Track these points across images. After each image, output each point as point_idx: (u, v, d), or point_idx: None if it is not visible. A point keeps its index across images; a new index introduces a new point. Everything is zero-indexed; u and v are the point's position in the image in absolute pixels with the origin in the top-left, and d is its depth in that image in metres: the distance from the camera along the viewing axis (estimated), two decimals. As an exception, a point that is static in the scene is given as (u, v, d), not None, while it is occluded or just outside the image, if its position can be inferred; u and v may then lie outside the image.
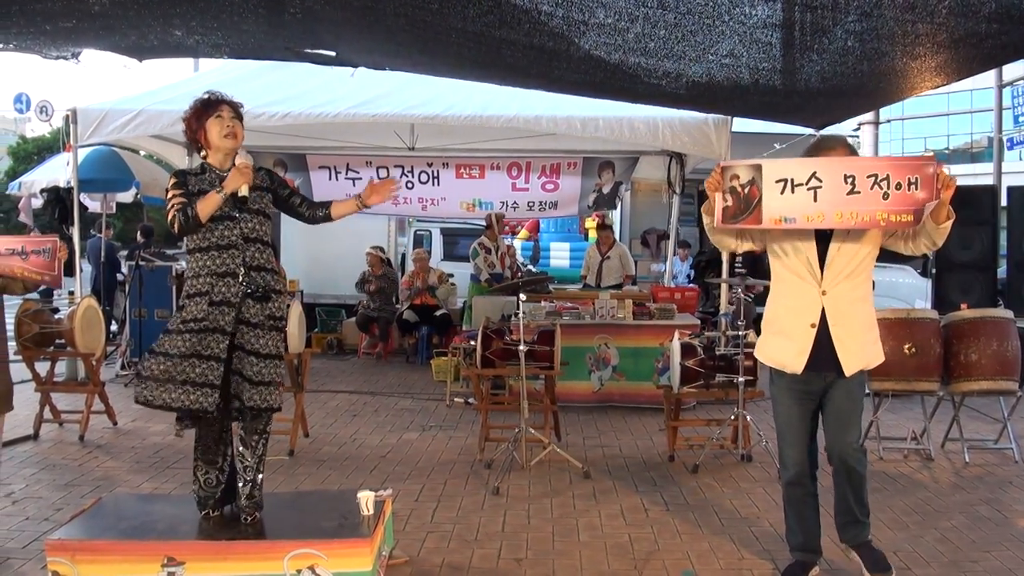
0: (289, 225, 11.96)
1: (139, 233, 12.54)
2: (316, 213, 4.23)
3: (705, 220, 3.74)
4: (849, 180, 3.50)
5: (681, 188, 10.10)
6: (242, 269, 3.96)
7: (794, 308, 3.76)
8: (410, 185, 10.51)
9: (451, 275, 11.22)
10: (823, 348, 3.70)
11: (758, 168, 3.58)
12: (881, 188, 3.47)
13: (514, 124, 7.78)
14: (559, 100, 7.71)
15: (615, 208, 11.98)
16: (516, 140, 9.45)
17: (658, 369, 7.57)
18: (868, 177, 3.48)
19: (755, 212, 3.56)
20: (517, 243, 19.35)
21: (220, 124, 4.00)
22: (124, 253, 11.96)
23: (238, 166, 3.97)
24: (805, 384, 3.80)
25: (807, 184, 3.52)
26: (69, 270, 8.83)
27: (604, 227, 11.15)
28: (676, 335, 6.03)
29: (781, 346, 3.80)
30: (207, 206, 3.92)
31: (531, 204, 10.52)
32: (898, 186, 3.47)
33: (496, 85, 7.06)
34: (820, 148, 3.73)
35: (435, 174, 10.44)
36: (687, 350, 5.93)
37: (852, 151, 3.80)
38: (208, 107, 4.04)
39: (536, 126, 7.82)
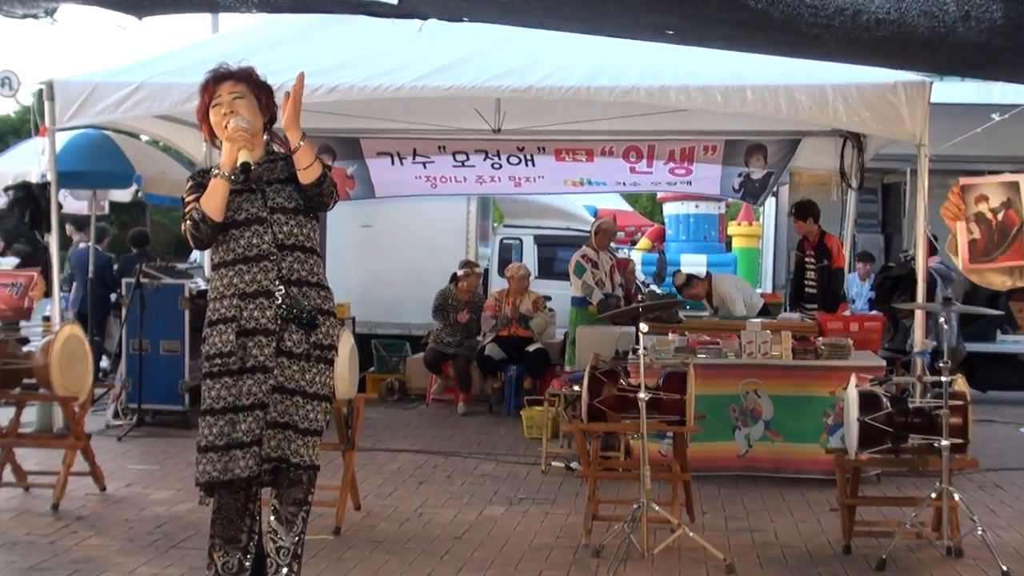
0: (336, 231, 12.22)
1: (129, 241, 12.94)
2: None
3: (952, 260, 3.67)
4: None
5: (859, 181, 9.91)
6: (279, 286, 4.07)
7: None
8: (497, 166, 10.64)
9: (548, 298, 11.27)
10: None
11: (1014, 186, 3.50)
12: None
13: (632, 98, 7.79)
14: (692, 66, 7.67)
15: (761, 202, 11.83)
16: (636, 119, 9.46)
17: (827, 427, 7.44)
18: None
19: (1016, 245, 3.50)
20: (636, 255, 19.30)
21: (217, 113, 4.19)
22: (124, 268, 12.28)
23: (228, 133, 4.12)
24: None
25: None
26: (45, 289, 9.20)
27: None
28: (853, 380, 5.91)
29: None
30: (212, 198, 4.08)
31: (656, 183, 10.62)
32: None
33: (607, 43, 7.07)
34: None
35: (528, 158, 10.56)
36: (868, 401, 5.81)
37: None
38: (204, 91, 4.25)
39: (662, 100, 7.81)
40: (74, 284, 12.19)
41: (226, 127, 4.13)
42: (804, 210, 9.60)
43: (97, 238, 12.22)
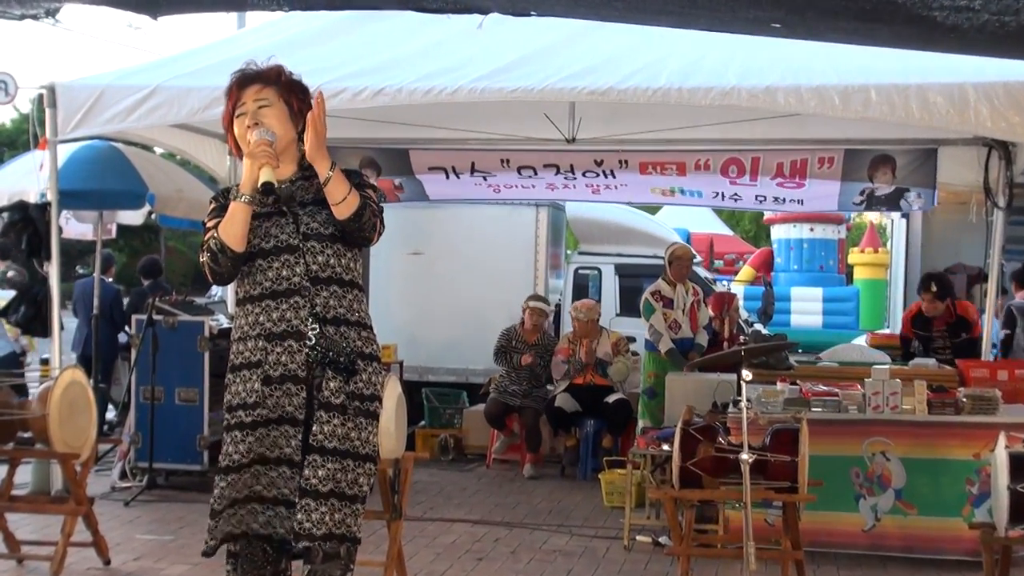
0: (381, 259, 12.32)
1: (140, 271, 13.11)
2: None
3: None
4: None
5: (1008, 199, 9.77)
6: (312, 325, 4.10)
7: None
8: (570, 178, 10.67)
9: (632, 339, 11.23)
10: None
11: None
12: None
13: (733, 100, 7.76)
14: (802, 62, 7.63)
15: (890, 213, 11.73)
16: (736, 125, 9.42)
17: (971, 497, 7.33)
18: None
19: None
20: (738, 288, 19.20)
21: (241, 123, 4.27)
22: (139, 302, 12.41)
23: (250, 148, 4.19)
24: None
25: None
26: (43, 327, 9.32)
27: None
28: (1002, 440, 5.82)
29: None
30: (231, 225, 4.14)
31: (761, 198, 10.53)
32: None
33: (699, 36, 7.06)
34: None
35: (607, 173, 10.57)
36: (1021, 465, 5.70)
37: None
38: (228, 96, 4.33)
39: (768, 103, 7.77)
40: (77, 321, 12.38)
41: (249, 141, 4.19)
42: (944, 288, 9.82)
43: (103, 267, 12.39)
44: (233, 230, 4.12)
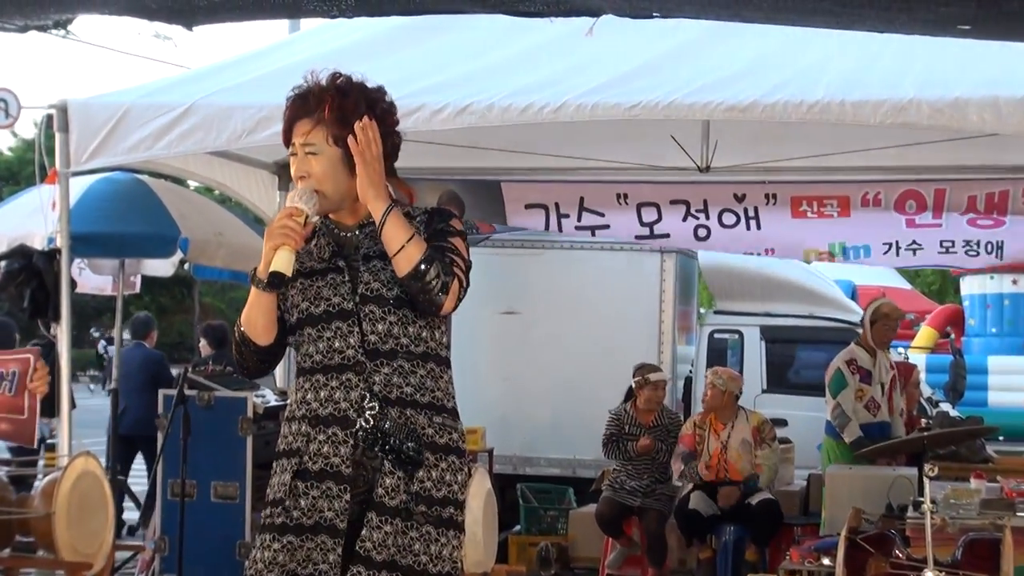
0: (466, 321, 12.30)
1: (203, 339, 13.21)
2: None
3: None
4: None
5: None
6: (370, 405, 4.12)
7: None
8: (703, 232, 10.62)
9: (782, 423, 11.13)
10: None
11: None
12: None
13: (910, 117, 7.67)
14: (996, 69, 7.54)
15: None
16: (915, 148, 9.33)
17: None
18: None
19: None
20: (918, 356, 18.94)
21: (295, 162, 4.26)
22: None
23: (280, 215, 4.13)
24: None
25: None
26: (49, 404, 9.29)
27: None
28: None
29: None
30: (251, 312, 4.19)
31: (948, 245, 10.35)
32: None
33: (860, 38, 7.03)
34: None
35: (750, 213, 10.51)
36: None
37: None
38: (284, 127, 4.31)
39: (956, 119, 7.68)
40: (119, 397, 12.48)
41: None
42: None
43: (142, 332, 12.57)
44: (253, 318, 4.17)
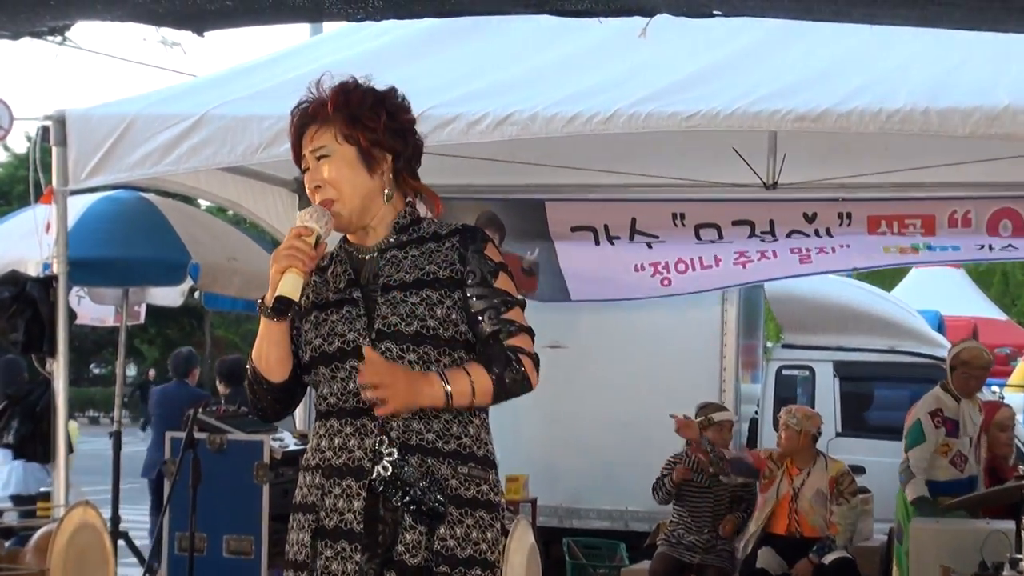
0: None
1: (217, 377, 13.24)
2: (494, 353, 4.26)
3: None
4: None
5: None
6: (388, 451, 4.10)
7: None
8: (768, 255, 10.58)
9: (861, 471, 11.06)
10: None
11: None
12: None
13: (1004, 127, 7.54)
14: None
15: None
16: (1010, 163, 9.25)
17: None
18: None
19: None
20: (1014, 395, 18.86)
21: (307, 176, 4.29)
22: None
23: (288, 236, 4.15)
24: None
25: None
26: (44, 449, 9.29)
27: None
28: None
29: None
30: (262, 346, 4.19)
31: None
32: None
33: (943, 38, 7.01)
34: None
35: (821, 232, 10.46)
36: None
37: None
38: (292, 147, 4.35)
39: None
40: (151, 438, 12.51)
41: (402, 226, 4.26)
42: None
43: (183, 370, 12.57)
44: (265, 351, 4.17)
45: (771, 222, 10.38)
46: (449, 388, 4.04)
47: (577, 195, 10.75)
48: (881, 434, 13.28)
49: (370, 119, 4.22)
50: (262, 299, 4.12)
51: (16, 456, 10.84)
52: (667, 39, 7.80)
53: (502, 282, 4.25)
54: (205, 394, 13.08)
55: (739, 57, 8.28)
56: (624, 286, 11.28)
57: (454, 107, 8.02)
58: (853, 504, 10.40)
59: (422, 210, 4.44)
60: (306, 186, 4.29)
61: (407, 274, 4.21)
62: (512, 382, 4.14)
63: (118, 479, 11.92)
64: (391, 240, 4.29)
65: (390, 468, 4.06)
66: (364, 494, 4.06)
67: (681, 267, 11.11)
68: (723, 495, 10.81)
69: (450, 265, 4.22)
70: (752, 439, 13.55)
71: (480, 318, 4.22)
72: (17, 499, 11.37)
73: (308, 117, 4.26)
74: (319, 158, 4.22)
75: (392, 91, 4.34)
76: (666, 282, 11.13)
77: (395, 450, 4.07)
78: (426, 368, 4.11)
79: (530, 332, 4.26)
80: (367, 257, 4.28)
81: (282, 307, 4.07)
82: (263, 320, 4.13)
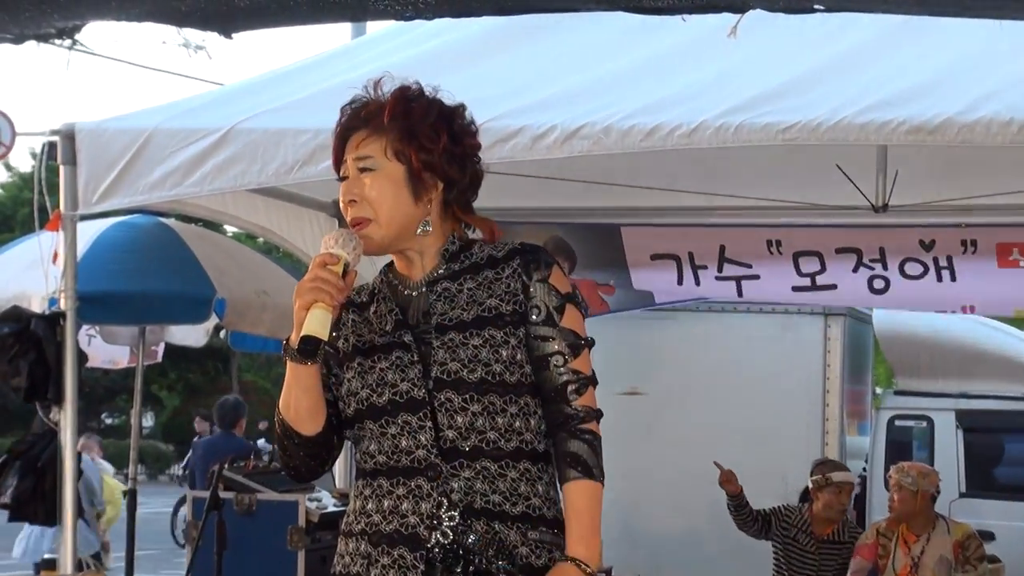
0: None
1: (216, 417, 13.33)
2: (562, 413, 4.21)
3: None
4: None
5: None
6: (447, 515, 4.07)
7: None
8: (879, 284, 10.52)
9: (989, 536, 11.00)
10: None
11: None
12: None
13: None
14: None
15: None
16: None
17: None
18: None
19: None
20: None
21: (344, 186, 4.19)
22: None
23: (312, 265, 4.06)
24: None
25: None
26: (47, 510, 9.29)
27: None
28: None
29: None
30: (291, 393, 4.11)
31: None
32: None
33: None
34: None
35: (942, 263, 10.40)
36: None
37: None
38: (333, 151, 4.27)
39: None
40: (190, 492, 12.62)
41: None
42: None
43: (230, 420, 12.65)
44: (294, 401, 4.11)
45: (881, 249, 10.31)
46: (589, 569, 4.04)
47: (657, 219, 10.73)
48: (1013, 494, 13.18)
49: (429, 138, 4.14)
50: (287, 340, 4.05)
51: (12, 518, 10.78)
52: (760, 39, 7.78)
53: (570, 319, 4.19)
54: (250, 445, 13.11)
55: (844, 59, 8.20)
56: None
57: (516, 119, 7.97)
58: (982, 571, 10.31)
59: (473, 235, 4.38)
60: (340, 197, 4.20)
61: (464, 311, 4.16)
62: (599, 468, 4.14)
63: (133, 544, 11.96)
64: (441, 271, 4.22)
65: (451, 535, 4.02)
66: (421, 567, 4.02)
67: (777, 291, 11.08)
68: (831, 561, 10.72)
69: (513, 297, 4.15)
70: (860, 501, 13.45)
71: (545, 364, 4.17)
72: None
73: (359, 120, 4.18)
74: (362, 169, 4.14)
75: (461, 109, 4.26)
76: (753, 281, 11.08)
77: (456, 514, 4.03)
78: (495, 419, 4.08)
79: (595, 383, 4.23)
80: (414, 292, 4.21)
81: (310, 348, 4.00)
82: (289, 364, 4.05)
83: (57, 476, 8.89)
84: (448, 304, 4.16)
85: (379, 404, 4.11)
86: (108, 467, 17.46)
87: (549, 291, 4.19)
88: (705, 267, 10.72)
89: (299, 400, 4.10)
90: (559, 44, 8.83)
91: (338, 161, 4.23)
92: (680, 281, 10.78)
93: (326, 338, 4.00)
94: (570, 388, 4.14)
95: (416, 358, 4.12)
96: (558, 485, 4.22)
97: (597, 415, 4.19)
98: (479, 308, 4.13)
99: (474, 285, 4.17)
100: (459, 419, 4.08)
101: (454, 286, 4.19)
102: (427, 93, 4.22)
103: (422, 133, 4.13)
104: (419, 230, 4.17)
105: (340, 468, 10.23)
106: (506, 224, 10.45)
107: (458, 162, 4.18)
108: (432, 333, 4.14)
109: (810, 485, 10.78)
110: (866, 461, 13.99)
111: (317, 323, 3.97)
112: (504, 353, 4.10)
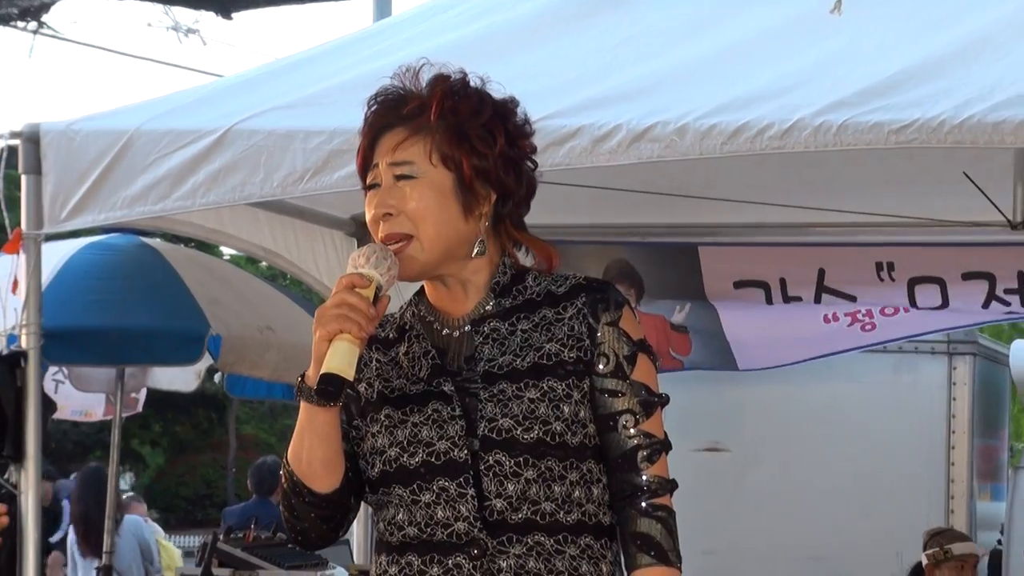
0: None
1: (251, 483, 13.43)
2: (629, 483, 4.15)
3: None
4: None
5: None
6: None
7: None
8: (1015, 304, 10.49)
9: None
10: None
11: None
12: None
13: None
14: None
15: None
16: None
17: None
18: None
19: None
20: None
21: (370, 208, 4.08)
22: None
23: (337, 288, 3.94)
24: None
25: None
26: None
27: None
28: None
29: None
30: (303, 442, 4.03)
31: None
32: None
33: None
34: None
35: None
36: None
37: None
38: (359, 151, 4.17)
39: None
40: None
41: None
42: None
43: (268, 487, 12.75)
44: (306, 450, 4.03)
45: (1019, 275, 10.25)
46: None
47: (743, 238, 10.68)
48: None
49: (483, 140, 4.06)
50: (303, 377, 3.96)
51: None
52: (869, 18, 7.72)
53: (642, 371, 4.13)
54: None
55: (974, 43, 8.11)
56: (811, 342, 11.17)
57: (573, 117, 7.89)
58: None
59: (522, 257, 4.29)
60: (368, 208, 4.09)
61: (518, 357, 4.07)
62: (675, 552, 4.07)
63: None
64: (489, 306, 4.14)
65: None
66: None
67: (889, 310, 10.97)
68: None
69: (577, 342, 4.07)
70: (995, 572, 13.42)
71: (612, 424, 4.11)
72: None
73: (396, 116, 4.07)
74: (399, 177, 4.03)
75: (512, 102, 4.20)
76: (868, 327, 10.98)
77: None
78: (551, 487, 4.00)
79: (669, 448, 4.16)
80: (455, 332, 4.13)
81: (332, 388, 3.87)
82: (304, 406, 3.97)
83: (17, 549, 8.91)
84: (498, 348, 4.08)
85: (410, 466, 4.02)
86: (160, 530, 17.62)
87: (619, 336, 4.12)
88: (799, 297, 10.63)
89: (314, 450, 4.00)
90: (624, 26, 8.74)
91: (365, 166, 4.12)
92: (770, 303, 10.71)
93: (351, 377, 3.88)
94: (641, 455, 4.08)
95: (458, 412, 4.03)
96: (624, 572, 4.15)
97: (671, 487, 4.12)
98: (536, 354, 4.03)
99: (529, 326, 4.08)
100: (510, 487, 4.00)
101: (504, 326, 4.11)
102: (473, 83, 4.13)
103: (475, 134, 4.05)
104: (474, 251, 4.07)
105: (358, 536, 10.20)
106: (561, 245, 10.39)
107: (515, 168, 4.12)
108: (478, 383, 4.05)
109: (924, 561, 10.80)
110: (1002, 532, 13.91)
111: (341, 358, 3.86)
112: (566, 410, 4.01)
